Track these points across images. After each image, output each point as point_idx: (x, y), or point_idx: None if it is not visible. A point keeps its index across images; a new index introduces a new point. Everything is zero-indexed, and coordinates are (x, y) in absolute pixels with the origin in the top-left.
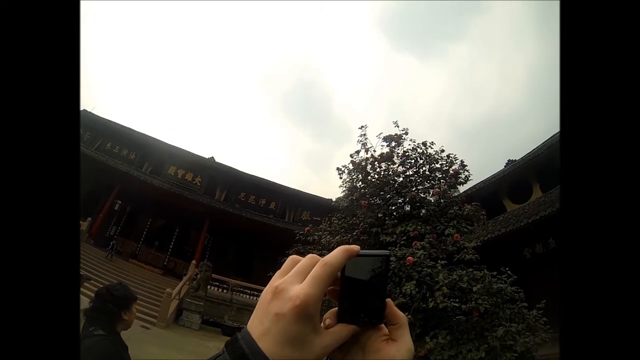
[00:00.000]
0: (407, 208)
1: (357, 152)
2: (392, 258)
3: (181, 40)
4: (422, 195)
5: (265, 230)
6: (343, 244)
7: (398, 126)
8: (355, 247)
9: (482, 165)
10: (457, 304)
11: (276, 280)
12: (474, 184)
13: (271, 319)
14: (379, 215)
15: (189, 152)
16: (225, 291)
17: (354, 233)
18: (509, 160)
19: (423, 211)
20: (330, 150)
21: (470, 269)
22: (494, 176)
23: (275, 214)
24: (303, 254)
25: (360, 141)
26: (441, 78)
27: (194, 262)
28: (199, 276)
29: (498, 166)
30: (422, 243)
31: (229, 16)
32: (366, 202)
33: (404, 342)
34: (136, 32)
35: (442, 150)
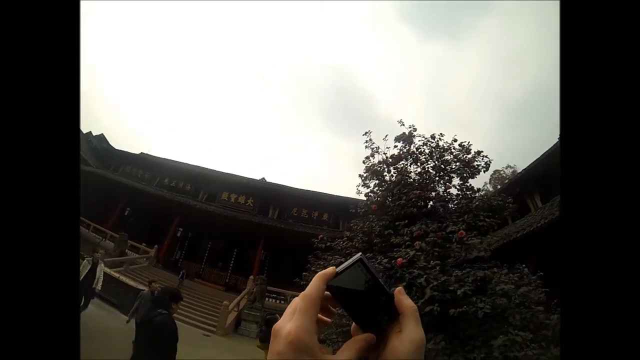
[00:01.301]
0: (424, 206)
1: (367, 157)
2: (387, 264)
3: (215, 60)
4: (438, 190)
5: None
6: (357, 249)
7: (404, 124)
8: (329, 270)
9: (535, 140)
10: (438, 308)
11: (279, 322)
12: (529, 163)
13: (275, 358)
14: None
15: (240, 177)
16: (282, 302)
17: (359, 237)
18: None
19: (441, 208)
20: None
21: (468, 269)
22: (548, 151)
23: (328, 224)
24: (321, 259)
25: (368, 146)
26: (479, 55)
27: (251, 277)
28: (255, 290)
29: (554, 138)
30: (420, 243)
31: (254, 28)
32: (376, 205)
33: (407, 333)
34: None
35: (455, 140)
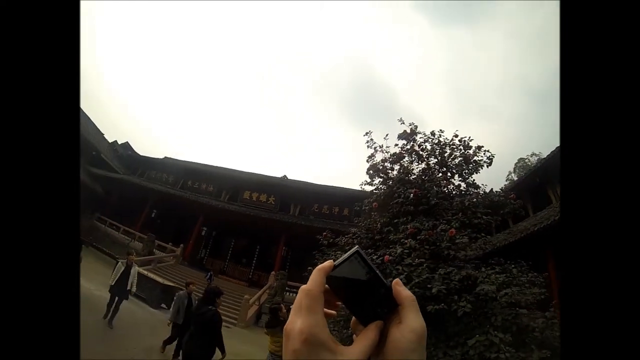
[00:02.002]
0: (422, 204)
1: (370, 156)
2: (378, 260)
3: (228, 56)
4: (436, 188)
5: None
6: (360, 245)
7: (404, 122)
8: (327, 263)
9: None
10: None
11: (288, 322)
12: (551, 151)
13: (291, 357)
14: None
15: (261, 175)
16: None
17: (362, 233)
18: None
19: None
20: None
21: (452, 268)
22: None
23: (349, 219)
24: (326, 254)
25: (369, 146)
26: (499, 40)
27: (273, 273)
28: (275, 284)
29: None
30: (410, 240)
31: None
32: (377, 203)
33: (408, 323)
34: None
35: (456, 136)
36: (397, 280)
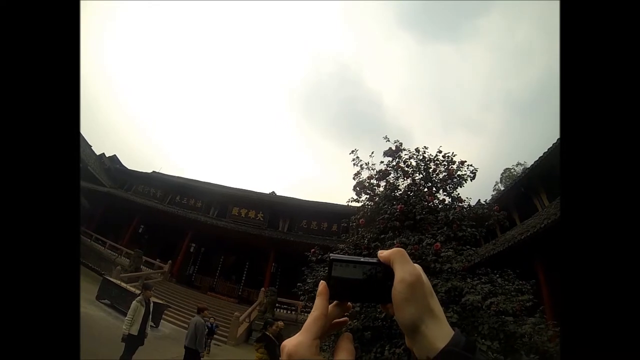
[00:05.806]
0: (408, 219)
1: (356, 174)
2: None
3: (218, 68)
4: (423, 203)
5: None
6: None
7: (389, 140)
8: (321, 286)
9: (544, 136)
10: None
11: (286, 339)
12: (535, 160)
13: None
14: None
15: (249, 191)
16: (292, 312)
17: (349, 249)
18: None
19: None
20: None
21: (437, 280)
22: (551, 148)
23: (337, 235)
24: (315, 270)
25: (355, 163)
26: (481, 56)
27: (263, 289)
28: (265, 301)
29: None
30: None
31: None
32: (364, 220)
33: (396, 275)
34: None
35: (440, 151)
36: (380, 251)
